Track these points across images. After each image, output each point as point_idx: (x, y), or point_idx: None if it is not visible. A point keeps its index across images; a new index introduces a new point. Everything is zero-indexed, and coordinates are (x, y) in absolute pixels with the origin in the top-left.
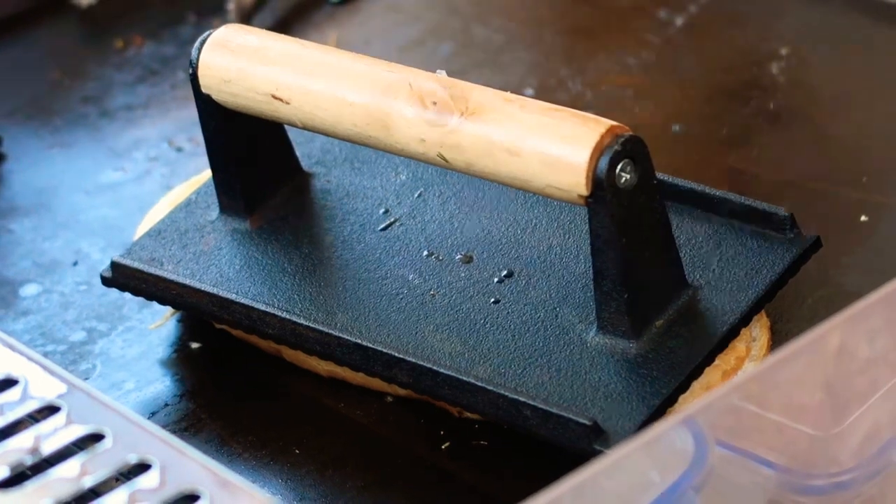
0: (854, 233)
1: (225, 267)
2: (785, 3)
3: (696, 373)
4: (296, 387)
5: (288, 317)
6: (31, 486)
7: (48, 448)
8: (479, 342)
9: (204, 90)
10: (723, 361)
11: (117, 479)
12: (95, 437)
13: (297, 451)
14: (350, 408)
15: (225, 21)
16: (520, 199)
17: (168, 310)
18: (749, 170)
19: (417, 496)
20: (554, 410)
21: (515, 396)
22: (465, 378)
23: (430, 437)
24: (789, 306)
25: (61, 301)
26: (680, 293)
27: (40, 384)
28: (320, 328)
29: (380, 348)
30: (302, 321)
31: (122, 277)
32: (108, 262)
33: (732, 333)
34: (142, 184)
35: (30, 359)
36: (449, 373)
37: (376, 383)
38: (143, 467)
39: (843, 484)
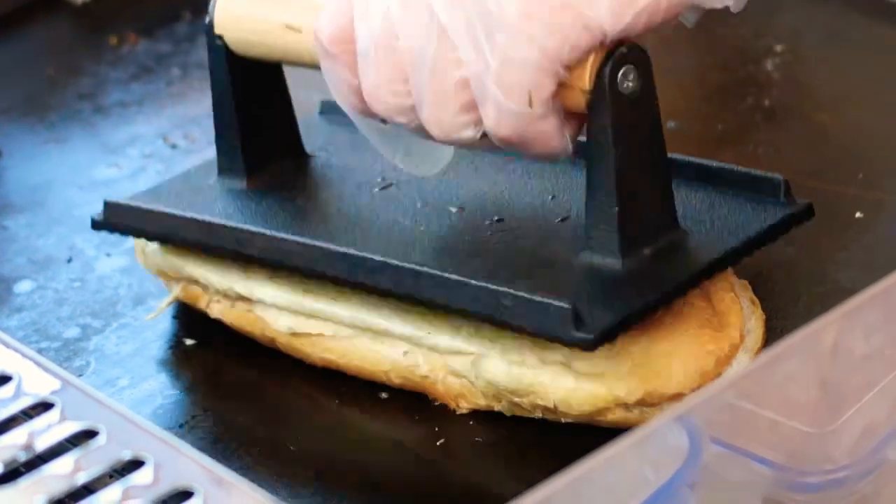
0: (850, 229)
1: (218, 209)
2: (780, 0)
3: (680, 290)
4: (290, 383)
5: (274, 233)
6: (24, 483)
7: (42, 444)
8: (466, 261)
9: (218, 31)
10: (717, 348)
11: (111, 476)
12: (89, 434)
13: (292, 448)
14: (344, 404)
15: None
16: (516, 171)
17: (164, 299)
18: (744, 166)
19: (411, 492)
20: (534, 297)
21: (495, 287)
22: (446, 274)
23: (424, 433)
24: (785, 303)
25: (55, 297)
26: (670, 230)
27: (34, 381)
28: (305, 241)
29: (364, 254)
30: (288, 237)
31: (113, 217)
32: (101, 258)
33: (719, 264)
34: (136, 180)
35: (24, 355)
36: (431, 271)
37: (369, 370)
38: (136, 464)
39: (838, 481)
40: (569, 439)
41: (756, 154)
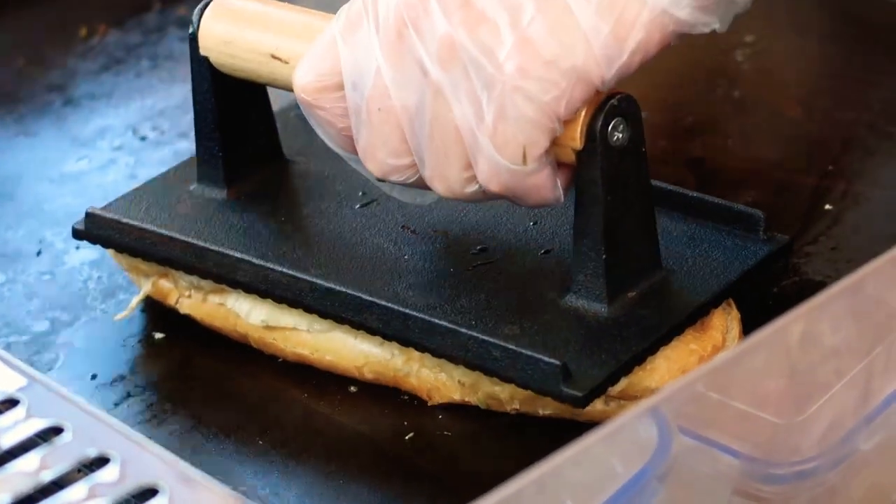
0: (819, 221)
1: (200, 226)
2: None
3: (666, 339)
4: (259, 377)
5: (261, 263)
6: None
7: (7, 442)
8: (453, 299)
9: (203, 52)
10: (700, 347)
11: (79, 471)
12: (55, 431)
13: (261, 442)
14: (314, 398)
15: (190, 9)
16: None
17: (134, 299)
18: (714, 158)
19: (381, 486)
20: (524, 351)
21: (486, 338)
22: (436, 320)
23: (393, 427)
24: (754, 295)
25: (25, 291)
26: (654, 272)
27: (0, 377)
28: (293, 273)
29: (351, 291)
30: (275, 267)
31: (95, 228)
32: (71, 251)
33: (703, 310)
34: (106, 173)
35: None
36: (420, 315)
37: (342, 365)
38: (102, 461)
39: (805, 472)
40: (539, 434)
41: (725, 145)
